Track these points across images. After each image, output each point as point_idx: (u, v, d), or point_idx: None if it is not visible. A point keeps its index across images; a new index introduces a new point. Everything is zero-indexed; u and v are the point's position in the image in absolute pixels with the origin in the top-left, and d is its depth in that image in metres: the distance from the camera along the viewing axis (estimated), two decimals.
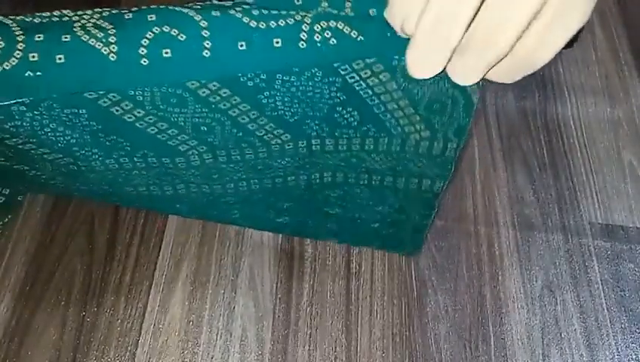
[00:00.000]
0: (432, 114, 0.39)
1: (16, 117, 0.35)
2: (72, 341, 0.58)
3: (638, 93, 0.78)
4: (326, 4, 0.34)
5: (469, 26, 0.26)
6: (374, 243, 0.65)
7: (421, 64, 0.28)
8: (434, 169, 0.46)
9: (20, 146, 0.39)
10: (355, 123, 0.41)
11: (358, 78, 0.36)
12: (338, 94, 0.38)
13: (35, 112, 0.35)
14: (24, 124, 0.36)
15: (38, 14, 0.33)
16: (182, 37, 0.32)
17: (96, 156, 0.41)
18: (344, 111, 0.40)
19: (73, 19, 0.33)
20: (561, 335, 0.60)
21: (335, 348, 0.59)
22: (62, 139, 0.38)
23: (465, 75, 0.29)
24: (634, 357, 0.59)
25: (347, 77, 0.36)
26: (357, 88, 0.37)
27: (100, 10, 0.34)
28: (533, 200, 0.69)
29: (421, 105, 0.39)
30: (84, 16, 0.33)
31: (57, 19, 0.33)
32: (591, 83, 0.79)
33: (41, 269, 0.62)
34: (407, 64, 0.29)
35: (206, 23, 0.32)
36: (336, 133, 0.43)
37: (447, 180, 0.47)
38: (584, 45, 0.83)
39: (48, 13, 0.33)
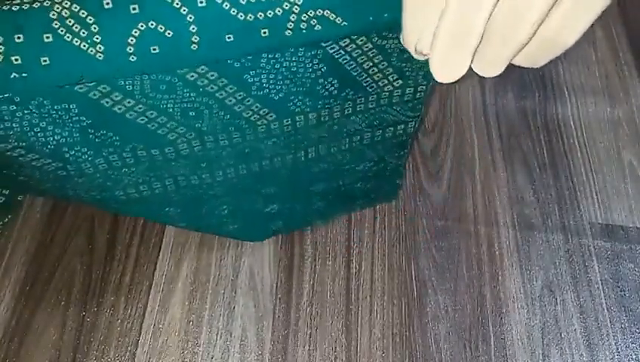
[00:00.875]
0: (404, 62, 0.43)
1: (6, 118, 0.35)
2: (72, 341, 0.58)
3: (638, 93, 0.78)
4: None
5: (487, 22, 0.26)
6: (358, 204, 0.67)
7: (445, 71, 0.28)
8: (407, 113, 0.50)
9: (9, 153, 0.39)
10: (335, 91, 0.44)
11: (338, 47, 0.39)
12: (320, 65, 0.40)
13: (26, 111, 0.35)
14: (14, 125, 0.36)
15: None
16: (169, 33, 0.32)
17: (86, 156, 0.41)
18: (326, 82, 0.42)
19: (45, 4, 0.31)
20: (561, 335, 0.60)
21: (335, 348, 0.59)
22: (51, 139, 0.38)
23: (487, 68, 0.28)
24: (634, 357, 0.59)
25: (328, 48, 0.38)
26: (337, 57, 0.40)
27: None
28: (533, 200, 0.69)
29: (393, 56, 0.42)
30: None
31: (28, 5, 0.31)
32: (591, 83, 0.79)
33: (41, 269, 0.62)
34: (432, 71, 0.29)
35: (192, 17, 0.32)
36: (319, 106, 0.45)
37: (419, 120, 0.52)
38: (584, 45, 0.83)
39: None
